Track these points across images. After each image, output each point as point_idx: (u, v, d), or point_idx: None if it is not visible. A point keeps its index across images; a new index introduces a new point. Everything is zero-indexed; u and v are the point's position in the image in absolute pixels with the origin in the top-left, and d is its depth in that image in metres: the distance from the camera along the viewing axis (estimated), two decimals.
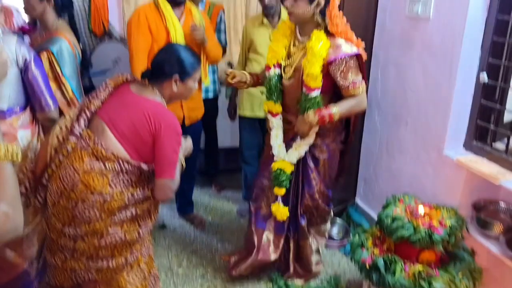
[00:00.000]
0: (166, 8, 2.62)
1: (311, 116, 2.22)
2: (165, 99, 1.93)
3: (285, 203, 2.48)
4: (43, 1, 2.35)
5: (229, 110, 3.54)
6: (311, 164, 2.42)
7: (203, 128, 3.64)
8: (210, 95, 3.46)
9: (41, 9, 2.36)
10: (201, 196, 3.73)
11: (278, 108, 2.42)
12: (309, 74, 2.19)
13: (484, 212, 2.27)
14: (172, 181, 1.85)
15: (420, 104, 2.61)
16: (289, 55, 2.35)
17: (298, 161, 2.42)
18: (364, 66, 2.28)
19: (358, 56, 2.24)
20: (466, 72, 2.31)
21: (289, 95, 2.39)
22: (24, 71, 1.99)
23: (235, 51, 4.30)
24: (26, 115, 2.07)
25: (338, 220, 3.18)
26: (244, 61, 3.22)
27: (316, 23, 2.23)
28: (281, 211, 2.46)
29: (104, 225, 1.79)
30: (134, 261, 1.92)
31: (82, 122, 1.83)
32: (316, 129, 2.33)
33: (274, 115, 2.45)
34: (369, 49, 3.02)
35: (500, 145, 2.32)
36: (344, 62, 2.18)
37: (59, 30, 2.38)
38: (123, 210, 1.82)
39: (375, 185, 3.14)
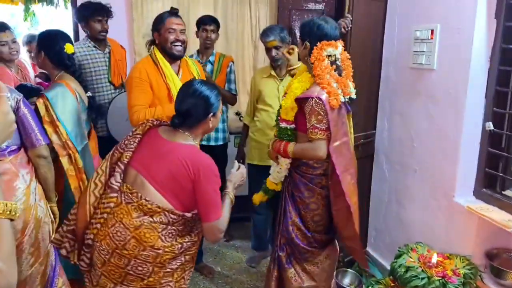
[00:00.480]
0: (165, 64, 2.58)
1: (270, 143, 2.43)
2: (197, 138, 1.94)
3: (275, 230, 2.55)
4: (40, 56, 2.52)
5: (237, 159, 3.58)
6: (288, 198, 2.42)
7: None
8: (220, 142, 3.52)
9: (41, 63, 2.56)
10: (210, 245, 3.70)
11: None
12: (282, 106, 2.31)
13: (497, 260, 2.24)
14: (218, 221, 1.84)
15: (427, 152, 2.63)
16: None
17: (283, 193, 2.46)
18: (328, 114, 2.15)
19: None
20: (472, 121, 2.35)
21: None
22: (16, 110, 2.07)
23: (243, 101, 4.39)
24: (23, 155, 2.15)
25: (350, 270, 3.12)
26: (253, 111, 3.30)
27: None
28: (259, 197, 2.63)
29: (158, 278, 1.78)
30: None
31: (118, 176, 1.83)
32: (287, 161, 2.36)
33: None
34: (374, 99, 3.10)
35: (510, 193, 2.32)
36: (311, 104, 2.16)
37: (62, 78, 2.51)
38: (174, 260, 1.82)
39: (386, 234, 3.11)
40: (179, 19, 2.62)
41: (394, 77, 2.91)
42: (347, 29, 2.77)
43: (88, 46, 3.35)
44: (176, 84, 2.58)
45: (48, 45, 2.51)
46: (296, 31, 4.07)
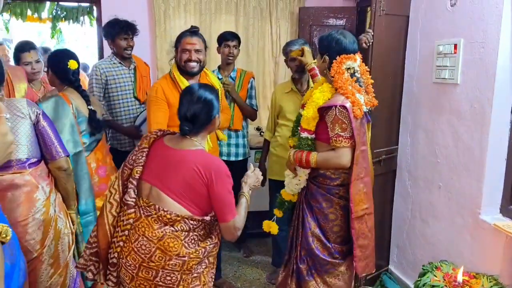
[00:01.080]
0: (182, 81, 2.65)
1: (291, 154, 2.38)
2: (204, 140, 1.99)
3: (291, 242, 2.52)
4: (48, 73, 2.72)
5: None
6: (306, 209, 2.40)
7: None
8: (240, 158, 3.52)
9: (50, 79, 2.76)
10: (229, 261, 3.68)
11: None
12: (304, 116, 2.31)
13: None
14: (235, 220, 1.87)
15: (452, 168, 2.58)
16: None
17: (301, 204, 2.44)
18: (352, 122, 2.16)
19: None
20: (497, 136, 2.30)
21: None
22: (36, 124, 2.14)
23: (263, 117, 4.41)
24: (43, 167, 2.19)
25: None
26: (274, 126, 3.30)
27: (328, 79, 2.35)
28: (270, 225, 2.64)
29: (187, 284, 1.83)
30: None
31: (132, 192, 1.86)
32: (306, 171, 2.37)
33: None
34: (397, 114, 3.07)
35: None
36: (334, 113, 2.17)
37: (62, 91, 2.65)
38: (199, 264, 1.87)
39: (409, 251, 3.04)
40: (196, 38, 2.67)
41: (417, 92, 2.88)
42: (368, 44, 2.76)
43: (114, 63, 3.43)
44: None
45: (55, 63, 2.68)
46: (317, 47, 4.09)
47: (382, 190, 3.06)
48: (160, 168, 1.89)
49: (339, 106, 2.15)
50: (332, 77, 2.24)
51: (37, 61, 3.26)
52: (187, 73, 2.67)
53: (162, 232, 1.79)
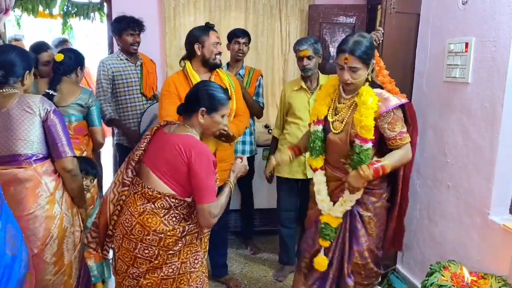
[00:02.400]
0: (194, 76, 2.71)
1: (366, 170, 2.15)
2: (198, 134, 2.05)
3: (330, 259, 2.40)
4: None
5: (266, 173, 3.56)
6: (359, 221, 2.33)
7: (239, 188, 3.69)
8: (247, 155, 3.53)
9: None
10: (236, 258, 3.69)
11: (317, 163, 2.41)
12: (364, 126, 2.17)
13: None
14: (211, 205, 1.92)
15: (461, 168, 2.56)
16: (335, 111, 2.36)
17: (346, 217, 2.35)
18: (414, 115, 2.32)
19: (404, 106, 2.27)
20: (508, 136, 2.28)
21: (336, 150, 2.35)
22: (44, 120, 2.15)
23: (272, 115, 4.41)
24: (49, 164, 2.19)
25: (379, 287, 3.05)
26: (282, 124, 3.30)
27: (365, 80, 2.27)
28: (320, 261, 2.39)
29: (163, 260, 1.93)
30: None
31: (129, 172, 2.04)
32: (365, 184, 2.26)
33: (314, 170, 2.45)
34: None
35: None
36: (392, 113, 2.19)
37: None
38: (178, 242, 1.95)
39: (417, 251, 3.03)
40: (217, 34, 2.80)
41: (427, 90, 2.86)
42: (378, 42, 2.75)
43: (121, 59, 3.45)
44: None
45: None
46: (327, 44, 4.08)
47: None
48: (153, 151, 2.03)
49: (398, 106, 2.20)
50: (371, 79, 2.28)
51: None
52: (213, 66, 2.76)
53: (143, 208, 1.94)
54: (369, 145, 2.19)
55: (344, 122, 2.29)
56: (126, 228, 1.95)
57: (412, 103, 2.29)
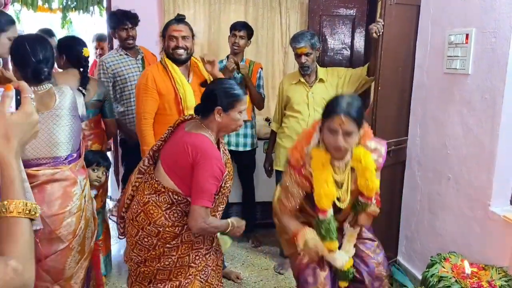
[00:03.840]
0: (174, 68, 2.70)
1: (375, 207, 2.13)
2: (214, 132, 2.04)
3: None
4: (62, 58, 2.87)
5: (265, 166, 3.57)
6: (360, 245, 2.22)
7: (240, 182, 3.70)
8: (248, 148, 3.53)
9: (63, 64, 2.90)
10: (238, 251, 3.70)
11: (336, 244, 2.12)
12: (371, 189, 2.04)
13: None
14: (204, 209, 1.92)
15: (461, 159, 2.56)
16: (337, 185, 2.09)
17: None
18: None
19: None
20: (508, 128, 2.28)
21: (344, 216, 2.19)
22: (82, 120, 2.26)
23: (273, 108, 4.39)
24: (81, 161, 2.26)
25: None
26: (281, 117, 3.29)
27: None
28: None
29: (160, 252, 1.98)
30: (189, 284, 2.06)
31: (146, 161, 2.12)
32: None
33: (332, 251, 2.11)
34: (407, 104, 3.05)
35: None
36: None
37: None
38: (176, 238, 1.99)
39: (417, 243, 3.04)
40: (183, 25, 2.71)
41: (427, 82, 2.86)
42: (378, 34, 2.74)
43: (120, 55, 3.45)
44: (185, 88, 2.70)
45: (69, 48, 2.82)
46: (327, 37, 4.06)
47: (391, 181, 3.05)
48: (168, 145, 2.07)
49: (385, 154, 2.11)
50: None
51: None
52: (175, 60, 2.72)
53: (148, 198, 1.99)
54: (372, 202, 2.11)
55: (348, 191, 2.08)
56: (132, 214, 2.03)
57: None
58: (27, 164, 2.01)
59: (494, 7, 2.28)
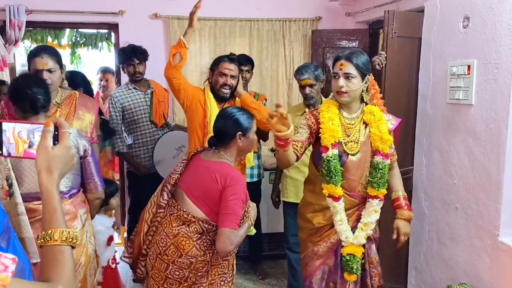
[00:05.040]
0: (211, 102, 2.82)
1: (409, 213, 2.32)
2: (233, 157, 2.14)
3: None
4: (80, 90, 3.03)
5: (272, 198, 3.55)
6: (373, 247, 2.33)
7: None
8: (254, 179, 3.54)
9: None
10: (244, 283, 3.66)
11: (340, 191, 2.19)
12: (386, 140, 2.21)
13: None
14: (232, 232, 1.94)
15: (469, 189, 2.56)
16: (346, 132, 2.26)
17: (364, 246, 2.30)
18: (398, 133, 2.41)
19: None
20: None
21: (354, 173, 2.24)
22: (83, 158, 2.26)
23: None
24: (81, 195, 2.30)
25: None
26: None
27: (361, 100, 2.27)
28: None
29: (192, 282, 2.00)
30: None
31: (165, 195, 2.12)
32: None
33: (336, 199, 2.20)
34: (411, 134, 3.07)
35: None
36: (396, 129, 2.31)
37: None
38: (207, 264, 2.02)
39: (427, 274, 2.99)
40: (233, 65, 2.83)
41: (431, 112, 2.88)
42: (381, 66, 2.79)
43: (129, 89, 3.54)
44: (213, 111, 2.78)
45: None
46: (331, 68, 4.13)
47: None
48: (189, 175, 2.11)
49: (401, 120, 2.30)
50: (369, 94, 2.31)
51: (50, 71, 2.46)
52: (220, 98, 2.82)
53: (178, 230, 2.01)
54: (389, 160, 2.24)
55: (359, 142, 2.24)
56: (160, 248, 2.02)
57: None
58: (27, 198, 2.03)
59: (495, 39, 2.33)
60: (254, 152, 3.50)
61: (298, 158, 2.20)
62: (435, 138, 2.85)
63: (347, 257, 2.23)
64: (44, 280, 0.98)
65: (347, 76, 2.15)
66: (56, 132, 1.05)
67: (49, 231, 1.00)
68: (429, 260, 2.96)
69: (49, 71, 2.43)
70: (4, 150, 1.06)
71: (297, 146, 2.19)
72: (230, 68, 2.80)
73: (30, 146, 1.06)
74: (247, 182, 3.39)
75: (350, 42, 4.14)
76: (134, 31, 4.07)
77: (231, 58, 2.86)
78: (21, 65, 5.11)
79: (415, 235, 3.10)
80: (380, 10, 3.32)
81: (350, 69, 2.15)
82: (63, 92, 2.61)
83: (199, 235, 2.01)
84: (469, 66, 2.48)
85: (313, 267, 2.30)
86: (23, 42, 5.12)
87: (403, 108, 3.01)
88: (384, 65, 2.80)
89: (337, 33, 4.21)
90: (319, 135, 2.21)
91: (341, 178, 2.19)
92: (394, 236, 2.29)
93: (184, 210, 2.03)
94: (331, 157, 2.16)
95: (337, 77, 2.18)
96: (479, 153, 2.46)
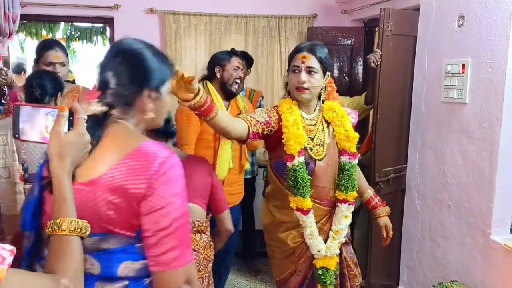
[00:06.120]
0: (218, 100, 2.74)
1: (385, 209, 2.28)
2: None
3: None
4: None
5: (264, 194, 3.55)
6: (349, 249, 2.19)
7: (240, 209, 3.68)
8: (248, 176, 3.53)
9: None
10: (237, 280, 3.66)
11: (309, 203, 1.98)
12: (351, 138, 2.02)
13: None
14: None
15: (461, 187, 2.57)
16: (309, 137, 2.04)
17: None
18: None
19: None
20: (507, 156, 2.29)
21: (322, 180, 2.04)
22: None
23: None
24: None
25: None
26: None
27: (318, 98, 2.08)
28: None
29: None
30: None
31: None
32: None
33: (305, 212, 1.99)
34: (405, 133, 3.07)
35: None
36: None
37: None
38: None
39: (419, 272, 3.01)
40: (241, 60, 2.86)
41: (425, 111, 2.89)
42: (376, 64, 2.79)
43: None
44: None
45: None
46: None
47: (391, 209, 3.01)
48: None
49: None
50: (326, 91, 2.09)
51: (63, 64, 2.64)
52: (229, 93, 2.77)
53: (203, 242, 2.00)
54: (356, 160, 2.06)
55: (324, 145, 2.04)
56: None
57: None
58: (29, 179, 2.07)
59: (489, 38, 2.34)
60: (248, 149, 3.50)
61: (248, 133, 1.88)
62: (429, 137, 2.86)
63: (319, 272, 2.05)
64: (50, 272, 0.94)
65: (310, 71, 1.93)
66: (71, 118, 1.01)
67: (58, 220, 0.97)
68: (421, 258, 2.97)
69: (62, 64, 2.58)
70: (21, 134, 1.03)
71: (251, 120, 1.91)
72: (241, 63, 2.84)
73: (46, 131, 1.03)
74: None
75: (346, 39, 4.14)
76: (129, 26, 4.04)
77: (236, 53, 2.89)
78: (15, 58, 5.08)
79: (408, 233, 3.12)
80: (376, 8, 3.32)
81: (313, 62, 1.93)
82: (66, 85, 2.66)
83: (210, 236, 2.12)
84: (463, 65, 2.49)
85: (294, 283, 2.12)
86: (17, 35, 5.09)
87: (397, 106, 3.02)
88: (379, 63, 2.80)
89: (333, 31, 4.20)
90: (281, 140, 1.95)
91: (310, 188, 1.97)
92: (385, 235, 2.24)
93: (198, 220, 2.01)
94: (297, 166, 1.93)
95: (297, 71, 1.95)
96: (472, 152, 2.47)
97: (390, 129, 2.97)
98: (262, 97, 3.63)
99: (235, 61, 2.79)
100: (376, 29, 3.63)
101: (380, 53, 2.80)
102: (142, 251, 1.10)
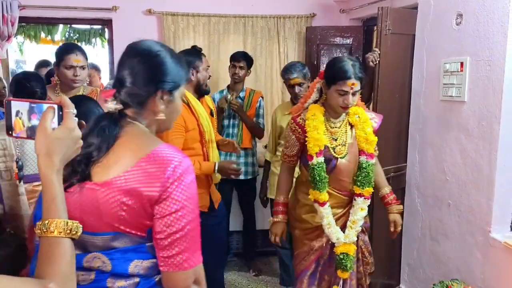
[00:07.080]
0: (197, 102, 2.55)
1: (398, 206, 2.44)
2: None
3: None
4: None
5: (260, 197, 3.55)
6: (365, 238, 2.41)
7: (241, 210, 3.70)
8: (249, 176, 3.53)
9: None
10: (238, 280, 3.66)
11: (324, 196, 2.24)
12: (370, 141, 2.27)
13: None
14: None
15: (461, 186, 2.57)
16: (332, 137, 2.30)
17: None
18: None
19: None
20: (506, 153, 2.29)
21: (345, 175, 2.30)
22: None
23: None
24: None
25: None
26: (274, 146, 3.30)
27: None
28: None
29: None
30: None
31: None
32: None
33: (321, 204, 2.25)
34: (405, 131, 3.08)
35: None
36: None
37: None
38: None
39: (420, 270, 3.01)
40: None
41: (424, 109, 2.89)
42: (375, 63, 2.79)
43: None
44: (208, 121, 2.57)
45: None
46: (325, 65, 4.14)
47: None
48: None
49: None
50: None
51: (83, 68, 2.68)
52: (204, 93, 2.66)
53: None
54: (374, 160, 2.30)
55: (346, 145, 2.29)
56: None
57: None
58: (28, 179, 2.05)
59: (487, 36, 2.34)
60: (249, 149, 3.51)
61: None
62: (428, 135, 2.86)
63: (341, 256, 2.26)
64: (39, 276, 0.88)
65: (355, 93, 2.18)
66: (61, 113, 0.95)
67: (46, 222, 0.92)
68: (422, 256, 2.97)
69: (82, 67, 2.64)
70: (13, 130, 0.97)
71: (293, 160, 2.40)
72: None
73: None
74: (242, 180, 3.44)
75: (344, 39, 4.15)
76: (127, 27, 4.05)
77: (201, 50, 2.74)
78: (14, 61, 5.08)
79: (408, 232, 3.12)
80: (374, 7, 3.33)
81: (358, 86, 2.18)
82: (85, 88, 2.72)
83: None
84: (462, 63, 2.49)
85: (309, 261, 2.35)
86: (16, 38, 5.09)
87: (396, 105, 3.02)
88: (377, 62, 2.80)
89: (331, 30, 4.21)
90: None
91: (326, 185, 2.25)
92: (392, 229, 2.41)
93: None
94: (316, 165, 2.21)
95: (345, 94, 2.17)
96: (471, 150, 2.47)
97: (390, 128, 2.97)
98: (262, 98, 3.63)
99: (205, 60, 2.67)
100: (375, 28, 3.64)
101: (379, 52, 2.80)
102: (152, 250, 1.13)
